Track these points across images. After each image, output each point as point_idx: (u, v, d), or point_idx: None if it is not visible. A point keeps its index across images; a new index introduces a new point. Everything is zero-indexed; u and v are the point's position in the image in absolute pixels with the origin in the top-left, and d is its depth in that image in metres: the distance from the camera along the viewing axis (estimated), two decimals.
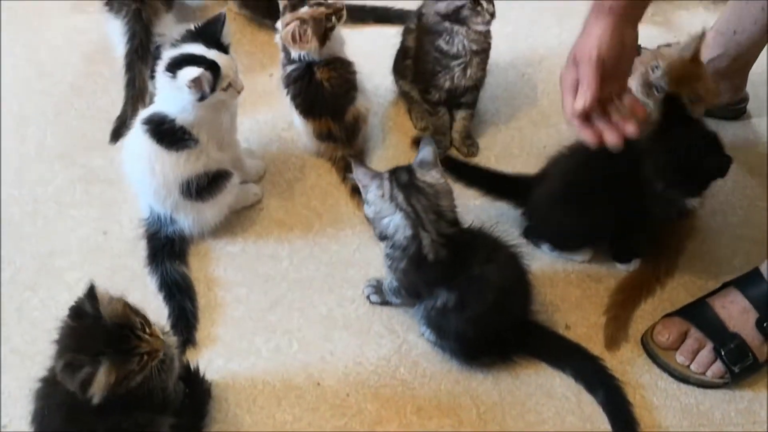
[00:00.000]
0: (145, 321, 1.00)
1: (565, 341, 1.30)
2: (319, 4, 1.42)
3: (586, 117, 1.12)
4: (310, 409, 1.22)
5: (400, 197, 1.13)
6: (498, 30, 1.81)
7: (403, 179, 1.14)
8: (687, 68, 1.33)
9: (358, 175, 1.16)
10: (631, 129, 1.11)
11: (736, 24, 1.52)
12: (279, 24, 1.44)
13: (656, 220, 1.32)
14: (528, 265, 1.27)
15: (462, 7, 1.41)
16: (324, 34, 1.41)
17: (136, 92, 1.51)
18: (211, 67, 1.21)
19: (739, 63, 1.58)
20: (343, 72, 1.44)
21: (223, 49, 1.25)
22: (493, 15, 1.44)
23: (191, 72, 1.18)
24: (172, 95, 1.24)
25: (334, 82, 1.43)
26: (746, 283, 1.30)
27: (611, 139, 1.11)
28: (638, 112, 1.13)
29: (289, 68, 1.46)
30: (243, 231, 1.43)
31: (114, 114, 1.56)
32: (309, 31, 1.38)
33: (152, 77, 1.33)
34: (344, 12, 1.44)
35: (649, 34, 1.86)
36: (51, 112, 1.59)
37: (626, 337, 1.33)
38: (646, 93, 1.34)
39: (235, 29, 1.79)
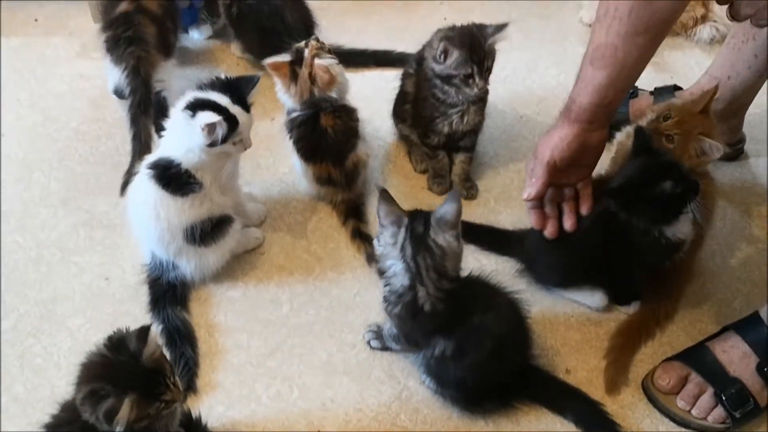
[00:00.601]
0: (173, 371, 1.03)
1: (566, 386, 1.29)
2: (330, 53, 1.46)
3: (539, 202, 1.27)
4: None
5: (408, 251, 1.13)
6: (496, 73, 1.83)
7: (417, 231, 1.12)
8: (697, 121, 1.35)
9: (381, 211, 1.15)
10: (569, 224, 1.28)
11: (729, 69, 1.55)
12: (279, 85, 1.47)
13: (648, 258, 1.32)
14: (527, 311, 1.27)
15: (455, 76, 1.44)
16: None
17: (143, 145, 1.53)
18: (230, 120, 1.24)
19: (735, 106, 1.61)
20: (347, 119, 1.47)
21: (247, 107, 1.28)
22: (481, 87, 1.46)
23: (210, 117, 1.21)
24: (182, 135, 1.26)
25: (337, 128, 1.45)
26: (746, 327, 1.30)
27: (549, 230, 1.29)
28: (583, 207, 1.28)
29: (294, 114, 1.49)
30: (244, 275, 1.43)
31: (118, 159, 1.59)
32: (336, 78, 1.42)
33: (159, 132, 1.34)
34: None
35: (646, 74, 1.89)
36: (55, 158, 1.62)
37: (627, 381, 1.33)
38: (656, 141, 1.34)
39: (237, 72, 1.82)
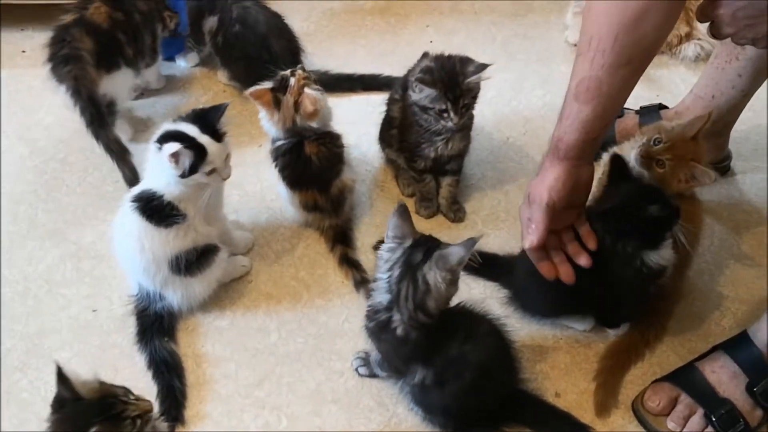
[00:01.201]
0: (126, 390, 1.04)
1: (555, 410, 1.29)
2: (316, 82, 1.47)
3: (542, 248, 1.22)
4: None
5: (396, 273, 1.13)
6: (482, 94, 1.84)
7: (413, 259, 1.11)
8: (689, 147, 1.35)
9: (391, 222, 1.15)
10: (583, 261, 1.23)
11: (714, 89, 1.55)
12: (262, 113, 1.48)
13: (631, 288, 1.32)
14: (513, 336, 1.27)
15: (431, 108, 1.45)
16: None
17: (118, 152, 1.55)
18: (197, 149, 1.24)
19: (720, 125, 1.61)
20: (331, 147, 1.47)
21: (218, 136, 1.28)
22: (455, 123, 1.46)
23: (172, 147, 1.22)
24: (158, 168, 1.27)
25: (322, 156, 1.45)
26: (735, 347, 1.30)
27: (564, 276, 1.23)
28: (589, 243, 1.24)
29: (279, 142, 1.49)
30: (231, 304, 1.43)
31: (105, 189, 1.61)
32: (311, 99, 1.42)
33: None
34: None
35: (635, 94, 1.90)
36: (43, 190, 1.62)
37: (616, 403, 1.32)
38: (646, 165, 1.35)
39: (224, 100, 1.81)
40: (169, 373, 1.30)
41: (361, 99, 1.84)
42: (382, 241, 1.50)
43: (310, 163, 1.45)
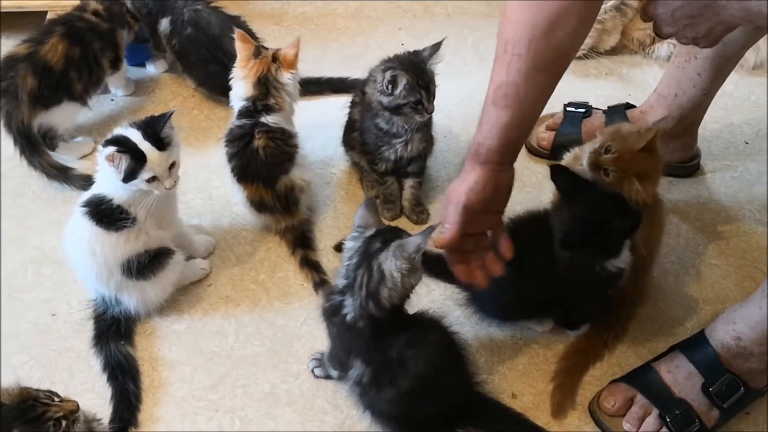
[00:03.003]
0: (51, 393, 1.04)
1: (510, 412, 1.28)
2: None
3: (458, 250, 1.21)
4: None
5: (354, 260, 1.13)
6: (452, 95, 1.86)
7: (372, 247, 1.12)
8: (635, 160, 1.31)
9: (358, 214, 1.16)
10: (497, 270, 1.22)
11: (675, 88, 1.55)
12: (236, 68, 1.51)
13: (589, 292, 1.31)
14: (467, 339, 1.28)
15: (405, 105, 1.45)
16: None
17: (59, 174, 1.61)
18: (136, 155, 1.24)
19: (685, 123, 1.60)
20: (281, 144, 1.46)
21: (161, 144, 1.28)
22: (431, 111, 1.48)
23: (107, 150, 1.23)
24: (105, 172, 1.28)
25: (269, 151, 1.45)
26: (692, 346, 1.28)
27: (479, 280, 1.22)
28: (505, 252, 1.22)
29: (235, 123, 1.50)
30: (190, 308, 1.43)
31: (69, 194, 1.60)
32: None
33: None
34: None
35: (604, 92, 1.91)
36: (8, 196, 1.62)
37: (573, 404, 1.31)
38: (595, 172, 1.33)
39: (192, 105, 1.84)
40: (124, 376, 1.30)
41: (329, 102, 1.84)
42: (343, 242, 1.52)
43: (256, 156, 1.45)
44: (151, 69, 1.90)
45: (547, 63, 1.09)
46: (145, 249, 1.32)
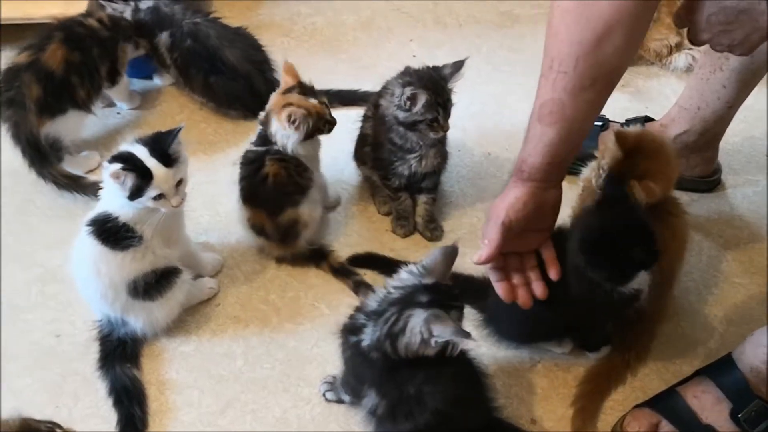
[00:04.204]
0: (54, 424, 1.03)
1: None
2: (325, 105, 1.43)
3: (501, 268, 1.18)
4: None
5: (394, 296, 1.08)
6: (464, 109, 1.82)
7: (418, 297, 1.07)
8: (628, 165, 1.26)
9: (435, 253, 1.12)
10: (539, 290, 1.18)
11: (699, 100, 1.50)
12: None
13: (604, 311, 1.26)
14: (486, 365, 1.23)
15: (421, 122, 1.41)
16: (313, 132, 1.42)
17: (70, 184, 1.58)
18: (142, 172, 1.21)
19: (707, 137, 1.56)
20: (294, 174, 1.42)
21: (168, 161, 1.24)
22: (446, 129, 1.44)
23: (112, 167, 1.19)
24: (111, 189, 1.24)
25: (279, 180, 1.40)
26: (718, 371, 1.24)
27: (521, 299, 1.19)
28: (551, 272, 1.18)
29: (250, 146, 1.46)
30: (197, 329, 1.39)
31: (76, 211, 1.54)
32: (307, 123, 1.39)
33: None
34: (334, 126, 1.46)
35: (620, 105, 1.86)
36: (12, 212, 1.59)
37: (595, 429, 1.26)
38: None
39: (200, 118, 1.81)
40: (130, 401, 1.26)
41: (339, 114, 1.78)
42: (356, 257, 1.47)
43: (265, 182, 1.41)
44: (158, 81, 1.87)
45: (594, 80, 1.05)
46: (151, 269, 1.28)
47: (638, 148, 1.27)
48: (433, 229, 1.54)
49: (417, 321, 1.05)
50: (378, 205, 1.60)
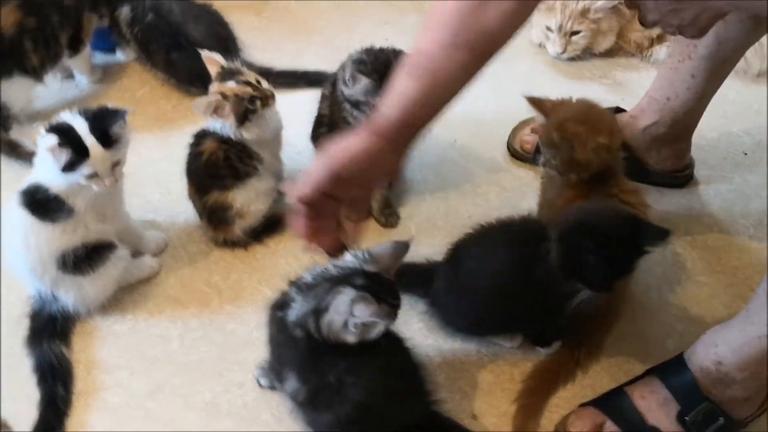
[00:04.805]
0: None
1: None
2: (248, 84, 1.36)
3: (311, 206, 1.04)
4: None
5: (331, 273, 1.04)
6: None
7: (354, 279, 1.02)
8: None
9: (387, 245, 1.07)
10: (329, 245, 1.08)
11: (668, 90, 1.44)
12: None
13: (557, 306, 1.20)
14: (427, 356, 1.20)
15: (363, 103, 1.36)
16: (244, 114, 1.35)
17: (14, 152, 1.55)
18: (78, 149, 1.16)
19: (678, 130, 1.49)
20: (233, 158, 1.37)
21: (108, 141, 1.19)
22: None
23: (49, 139, 1.15)
24: (44, 159, 1.20)
25: (211, 160, 1.36)
26: (668, 370, 1.18)
27: (323, 243, 1.07)
28: (351, 236, 1.09)
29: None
30: (134, 308, 1.34)
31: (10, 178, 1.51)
32: (228, 108, 1.33)
33: None
34: (272, 100, 1.38)
35: (596, 96, 1.78)
36: None
37: (537, 427, 1.21)
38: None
39: (161, 94, 1.76)
40: (54, 379, 1.21)
41: (304, 95, 1.74)
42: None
43: (198, 159, 1.37)
44: (121, 56, 1.82)
45: (470, 42, 0.97)
46: (83, 242, 1.23)
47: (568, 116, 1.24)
48: (388, 215, 1.49)
49: (343, 299, 1.00)
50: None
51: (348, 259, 1.06)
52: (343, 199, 1.06)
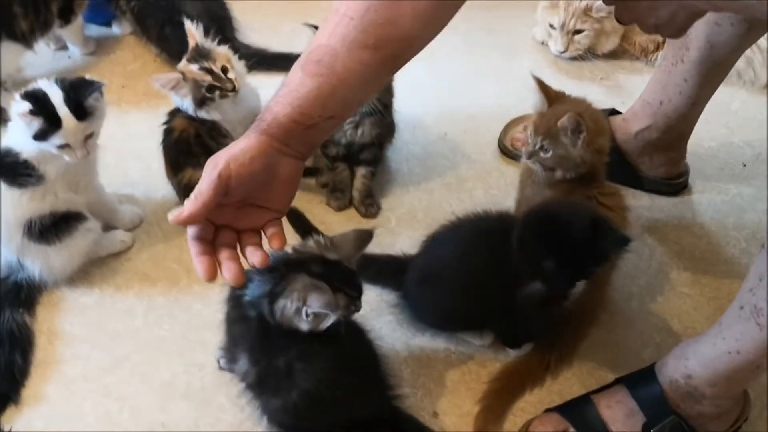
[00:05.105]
0: None
1: None
2: (210, 72, 1.34)
3: (209, 240, 0.91)
4: None
5: (290, 257, 1.01)
6: (429, 86, 1.75)
7: (312, 266, 0.98)
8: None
9: (349, 232, 1.04)
10: (257, 259, 0.90)
11: (661, 94, 1.40)
12: None
13: (530, 305, 1.16)
14: (391, 350, 1.18)
15: None
16: (201, 100, 1.34)
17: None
18: (51, 118, 1.15)
19: (671, 136, 1.45)
20: (205, 136, 1.35)
21: (82, 113, 1.18)
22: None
23: (21, 106, 1.14)
24: (17, 124, 1.19)
25: (183, 137, 1.35)
26: (637, 381, 1.14)
27: (229, 274, 0.89)
28: (272, 242, 0.93)
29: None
30: (102, 282, 1.33)
31: None
32: (186, 89, 1.32)
33: None
34: (233, 93, 1.35)
35: (595, 97, 1.74)
36: None
37: (500, 429, 1.17)
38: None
39: (153, 69, 1.75)
40: (12, 347, 1.20)
41: None
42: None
43: (170, 136, 1.36)
44: (116, 30, 1.81)
45: (380, 41, 0.88)
46: (50, 211, 1.22)
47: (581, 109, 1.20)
48: (368, 205, 1.46)
49: (298, 286, 0.97)
50: (316, 176, 1.52)
51: (309, 244, 1.04)
52: (243, 227, 0.93)
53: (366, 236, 1.04)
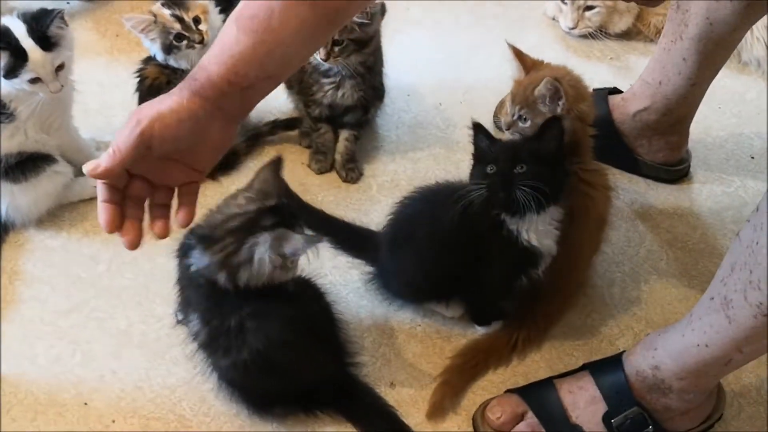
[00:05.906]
0: None
1: (380, 402, 1.11)
2: (180, 20, 1.32)
3: (119, 189, 0.87)
4: (66, 430, 1.08)
5: (232, 224, 0.97)
6: (429, 54, 1.69)
7: (262, 222, 0.95)
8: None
9: (262, 174, 1.00)
10: (158, 228, 0.90)
11: (660, 74, 1.33)
12: None
13: (499, 262, 1.11)
14: (350, 317, 1.15)
15: None
16: (169, 47, 1.32)
17: None
18: (17, 52, 1.13)
19: (671, 119, 1.38)
20: (176, 84, 1.29)
21: (47, 44, 1.16)
22: (328, 61, 1.31)
23: None
24: None
25: (155, 85, 1.34)
26: (602, 368, 1.09)
27: (127, 235, 0.88)
28: (183, 215, 0.91)
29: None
30: (71, 226, 1.31)
31: None
32: (154, 33, 1.30)
33: None
34: (200, 45, 1.32)
35: (602, 78, 1.68)
36: None
37: (456, 407, 1.13)
38: None
39: (137, 14, 1.70)
40: None
41: None
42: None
43: (143, 83, 1.34)
44: None
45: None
46: (18, 150, 1.20)
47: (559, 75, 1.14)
48: (350, 170, 1.42)
49: (262, 248, 0.94)
50: (300, 137, 1.48)
51: (241, 202, 0.99)
52: (160, 182, 0.90)
53: (277, 163, 1.00)
